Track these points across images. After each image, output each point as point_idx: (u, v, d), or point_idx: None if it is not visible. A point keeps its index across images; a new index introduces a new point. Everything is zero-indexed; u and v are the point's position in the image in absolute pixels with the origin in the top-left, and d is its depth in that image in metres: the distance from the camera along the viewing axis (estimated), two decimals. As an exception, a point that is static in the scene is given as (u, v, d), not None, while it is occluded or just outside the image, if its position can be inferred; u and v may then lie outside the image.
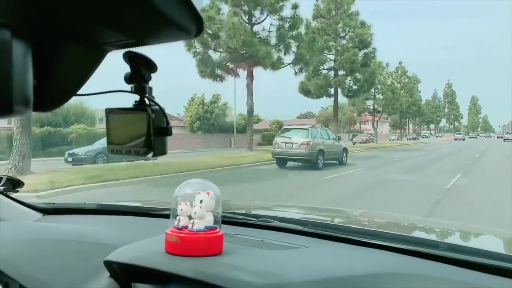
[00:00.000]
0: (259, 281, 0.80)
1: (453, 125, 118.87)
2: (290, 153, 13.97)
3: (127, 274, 1.00)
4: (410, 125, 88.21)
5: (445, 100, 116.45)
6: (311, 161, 13.81)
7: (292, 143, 13.93)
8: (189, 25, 0.50)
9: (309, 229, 1.27)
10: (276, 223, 1.34)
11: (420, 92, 76.89)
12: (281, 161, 14.37)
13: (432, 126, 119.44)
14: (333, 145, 15.24)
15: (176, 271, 0.84)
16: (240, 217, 1.39)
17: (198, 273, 0.82)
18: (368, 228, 1.33)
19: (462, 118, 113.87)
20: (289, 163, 14.74)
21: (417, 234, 1.41)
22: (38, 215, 1.66)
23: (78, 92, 0.60)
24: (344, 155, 15.77)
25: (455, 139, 66.33)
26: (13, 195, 1.59)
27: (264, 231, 1.29)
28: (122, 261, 0.94)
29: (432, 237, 1.37)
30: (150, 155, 0.66)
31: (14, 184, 1.53)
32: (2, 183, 1.49)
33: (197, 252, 0.90)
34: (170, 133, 0.66)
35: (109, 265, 0.99)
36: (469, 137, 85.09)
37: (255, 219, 1.39)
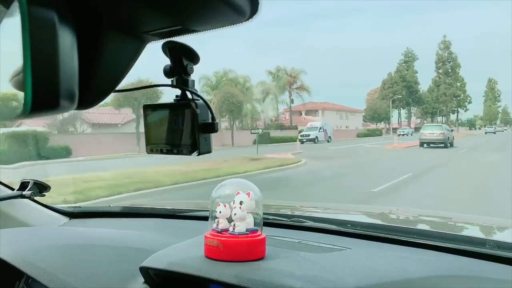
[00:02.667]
0: None
1: (455, 114, 75.06)
2: (432, 139, 23.27)
3: (163, 280, 0.95)
4: (404, 116, 73.04)
5: (439, 69, 70.09)
6: (445, 143, 22.86)
7: (434, 133, 23.53)
8: (244, 5, 0.44)
9: (348, 229, 1.20)
10: (311, 224, 1.28)
11: (416, 72, 67.31)
12: (425, 143, 23.39)
13: (439, 118, 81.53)
14: (450, 134, 24.97)
15: (220, 277, 0.78)
16: (271, 217, 1.33)
17: (244, 279, 0.76)
18: (411, 227, 1.25)
19: (469, 102, 71.31)
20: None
21: (463, 231, 1.33)
22: (64, 219, 1.64)
23: (119, 88, 0.55)
24: (453, 140, 24.88)
25: (486, 133, 58.24)
26: (40, 199, 1.57)
27: (298, 232, 1.23)
28: (160, 267, 0.89)
29: (479, 234, 1.30)
30: (195, 154, 0.60)
31: (41, 188, 1.50)
32: (29, 187, 1.46)
33: (239, 257, 0.84)
34: (216, 130, 0.60)
35: (145, 271, 0.94)
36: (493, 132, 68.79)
37: (286, 219, 1.33)
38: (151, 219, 1.55)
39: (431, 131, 23.71)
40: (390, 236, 1.11)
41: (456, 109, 69.13)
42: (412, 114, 78.75)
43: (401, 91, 67.40)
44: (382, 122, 67.97)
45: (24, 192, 1.44)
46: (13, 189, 1.48)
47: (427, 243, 1.05)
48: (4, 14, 0.43)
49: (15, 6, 0.36)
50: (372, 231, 1.16)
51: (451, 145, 23.38)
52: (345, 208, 1.98)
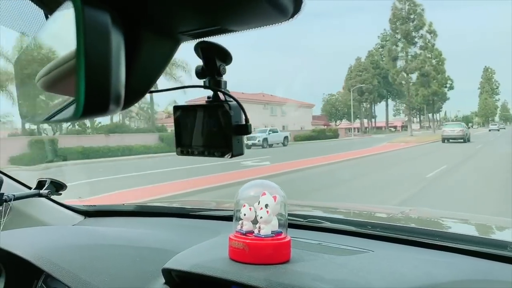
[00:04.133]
0: None
1: (431, 106, 53.97)
2: (453, 135, 26.77)
3: (184, 282, 0.94)
4: (392, 113, 66.07)
5: (396, 32, 45.69)
6: (464, 139, 26.18)
7: (454, 130, 27.17)
8: (287, 4, 0.43)
9: (367, 230, 1.18)
10: (327, 224, 1.26)
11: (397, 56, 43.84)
12: (446, 139, 26.73)
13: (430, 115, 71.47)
14: (468, 131, 28.33)
15: (247, 281, 0.77)
16: (288, 217, 1.31)
17: (274, 283, 0.75)
18: (432, 229, 1.23)
19: (450, 87, 52.83)
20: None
21: (484, 233, 1.31)
22: (79, 217, 1.64)
23: (152, 89, 0.53)
24: (469, 136, 27.99)
25: (490, 130, 56.27)
26: (56, 198, 1.57)
27: (314, 233, 1.21)
28: (183, 269, 0.88)
29: (500, 236, 1.27)
30: (228, 156, 0.59)
31: (57, 187, 1.50)
32: (46, 186, 1.46)
33: (265, 259, 0.83)
34: (250, 131, 0.59)
35: (167, 272, 0.93)
36: (490, 130, 63.66)
37: (302, 220, 1.31)
38: (166, 218, 1.54)
39: (452, 128, 27.97)
40: (412, 238, 1.09)
41: (431, 99, 47.03)
42: (401, 111, 71.22)
43: (372, 80, 54.46)
44: (344, 119, 58.59)
45: (41, 191, 1.44)
46: (30, 188, 1.48)
47: (449, 245, 1.03)
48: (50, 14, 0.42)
49: (67, 7, 0.35)
50: (393, 233, 1.14)
51: (469, 140, 26.95)
52: (361, 208, 1.96)
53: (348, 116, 56.37)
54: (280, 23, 0.47)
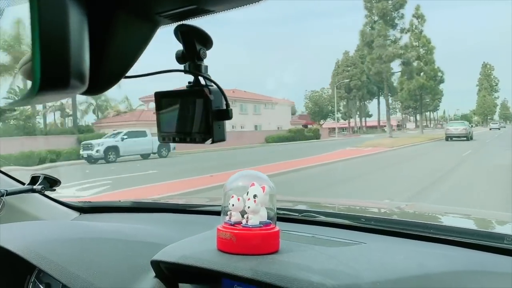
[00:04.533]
0: (330, 282, 0.71)
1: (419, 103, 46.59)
2: (456, 133, 27.67)
3: (174, 274, 0.93)
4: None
5: (371, 13, 37.74)
6: (467, 137, 27.14)
7: (458, 128, 28.36)
8: None
9: (361, 223, 1.17)
10: (323, 218, 1.25)
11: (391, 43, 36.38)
12: (449, 137, 27.48)
13: (427, 114, 73.67)
14: (471, 129, 29.74)
15: (233, 271, 0.76)
16: (282, 212, 1.31)
17: (259, 273, 0.74)
18: (426, 222, 1.22)
19: (440, 80, 44.45)
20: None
21: (480, 226, 1.30)
22: (74, 214, 1.63)
23: (128, 74, 0.52)
24: (472, 134, 29.24)
25: (490, 129, 54.72)
26: (51, 194, 1.56)
27: (309, 226, 1.20)
28: (171, 261, 0.88)
29: (496, 229, 1.26)
30: (208, 142, 0.58)
31: (51, 182, 1.49)
32: (39, 182, 1.46)
33: (253, 250, 0.82)
34: (230, 116, 0.58)
35: (156, 265, 0.92)
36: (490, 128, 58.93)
37: (297, 214, 1.30)
38: (161, 213, 1.54)
39: (455, 127, 29.26)
40: (405, 231, 1.08)
41: (418, 94, 41.01)
42: (397, 110, 68.26)
43: (361, 75, 49.17)
44: (329, 119, 53.25)
45: (34, 187, 1.44)
46: (23, 184, 1.48)
47: (444, 237, 1.02)
48: None
49: None
50: (386, 226, 1.13)
51: (472, 138, 28.15)
52: (356, 204, 1.95)
53: (330, 115, 52.65)
54: (257, 2, 0.46)
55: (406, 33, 38.64)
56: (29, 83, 0.34)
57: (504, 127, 67.71)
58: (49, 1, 0.33)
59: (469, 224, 1.33)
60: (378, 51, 36.72)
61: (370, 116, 67.80)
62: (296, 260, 0.81)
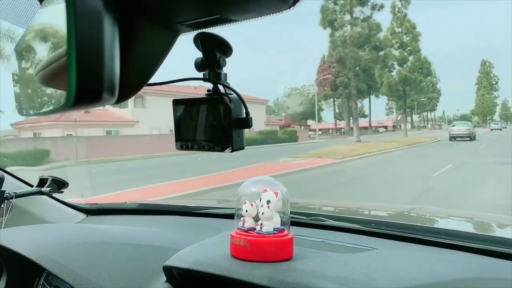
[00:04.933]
0: None
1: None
2: (460, 133, 28.39)
3: (185, 279, 0.93)
4: (384, 112, 61.95)
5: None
6: (470, 137, 27.76)
7: (461, 129, 29.03)
8: None
9: (371, 228, 1.17)
10: (331, 222, 1.25)
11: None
12: (453, 138, 28.23)
13: (425, 114, 72.65)
14: (474, 130, 30.03)
15: (249, 278, 0.76)
16: (291, 215, 1.30)
17: (276, 281, 0.74)
18: (437, 227, 1.22)
19: (426, 75, 39.03)
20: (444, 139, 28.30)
21: (489, 231, 1.29)
22: (81, 215, 1.63)
23: (151, 81, 0.52)
24: (475, 134, 29.77)
25: (492, 129, 53.95)
26: (58, 196, 1.56)
27: (318, 230, 1.20)
28: (184, 267, 0.87)
29: (506, 234, 1.25)
30: (228, 150, 0.58)
31: (59, 185, 1.49)
32: (47, 184, 1.46)
33: (267, 257, 0.82)
34: (250, 125, 0.58)
35: (168, 270, 0.92)
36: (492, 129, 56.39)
37: (305, 218, 1.30)
38: (168, 216, 1.53)
39: (459, 127, 29.94)
40: (416, 236, 1.08)
41: (401, 89, 34.44)
42: (394, 110, 64.52)
43: (348, 72, 38.73)
44: (311, 119, 48.55)
45: (43, 189, 1.44)
46: (32, 186, 1.48)
47: (454, 243, 1.01)
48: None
49: None
50: (397, 231, 1.13)
51: (475, 138, 28.83)
52: (365, 206, 1.95)
53: (320, 114, 49.28)
54: (281, 12, 0.45)
55: (378, 10, 30.19)
56: (63, 94, 0.35)
57: (505, 127, 65.82)
58: (86, 14, 0.33)
59: (481, 229, 1.33)
60: (341, 32, 29.08)
61: (365, 116, 65.31)
62: (310, 267, 0.80)
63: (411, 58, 34.58)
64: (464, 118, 72.33)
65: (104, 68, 0.35)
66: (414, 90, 37.82)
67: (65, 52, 0.33)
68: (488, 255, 0.95)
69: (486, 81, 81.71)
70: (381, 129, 64.80)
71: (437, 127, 72.94)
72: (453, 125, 31.20)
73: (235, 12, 0.47)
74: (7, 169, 1.47)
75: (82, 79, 0.33)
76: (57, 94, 0.37)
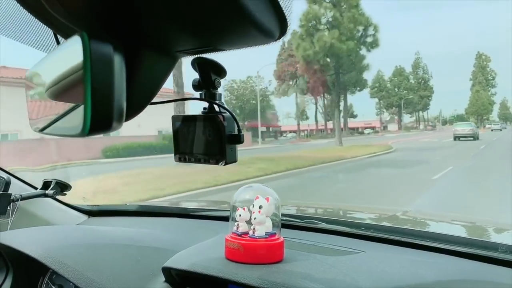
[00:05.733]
0: None
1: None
2: (463, 133, 29.63)
3: (183, 280, 0.99)
4: (375, 112, 58.88)
5: None
6: (474, 137, 28.92)
7: (465, 129, 30.37)
8: (273, 28, 0.47)
9: (361, 231, 1.22)
10: (324, 225, 1.30)
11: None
12: (457, 137, 29.23)
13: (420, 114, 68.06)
14: (477, 130, 31.64)
15: (241, 279, 0.82)
16: (285, 218, 1.36)
17: (266, 282, 0.80)
18: (424, 230, 1.27)
19: (372, 44, 23.02)
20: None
21: (474, 235, 1.35)
22: (83, 217, 1.69)
23: (152, 101, 0.58)
24: (478, 134, 31.05)
25: (492, 130, 52.18)
26: (61, 198, 1.62)
27: (311, 233, 1.25)
28: (181, 268, 0.93)
29: (491, 238, 1.31)
30: (222, 163, 0.64)
31: (62, 187, 1.55)
32: (51, 186, 1.52)
33: (259, 259, 0.88)
34: (242, 141, 0.64)
35: (167, 271, 0.98)
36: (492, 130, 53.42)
37: (299, 221, 1.35)
38: (168, 218, 1.59)
39: (463, 128, 31.46)
40: (403, 239, 1.13)
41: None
42: (384, 110, 62.40)
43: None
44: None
45: (47, 191, 1.50)
46: (36, 188, 1.54)
47: (440, 246, 1.06)
48: (60, 43, 0.48)
49: (74, 39, 0.40)
50: (385, 234, 1.18)
51: (478, 138, 29.78)
52: (357, 209, 2.00)
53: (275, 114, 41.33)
54: (268, 44, 0.51)
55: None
56: (80, 123, 0.40)
57: (505, 128, 62.48)
58: (99, 58, 0.39)
59: (465, 233, 1.38)
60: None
61: (354, 116, 61.90)
62: (299, 269, 0.86)
63: (352, 26, 23.46)
64: (461, 118, 67.28)
65: (114, 104, 0.40)
66: (348, 69, 26.06)
67: (81, 87, 0.39)
68: (470, 258, 1.00)
69: (482, 76, 73.04)
70: (367, 130, 60.11)
71: (430, 128, 66.71)
72: (457, 126, 33.02)
73: (226, 45, 0.52)
74: (13, 172, 1.52)
75: (96, 115, 0.39)
76: (72, 120, 0.43)
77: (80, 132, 0.40)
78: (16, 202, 1.38)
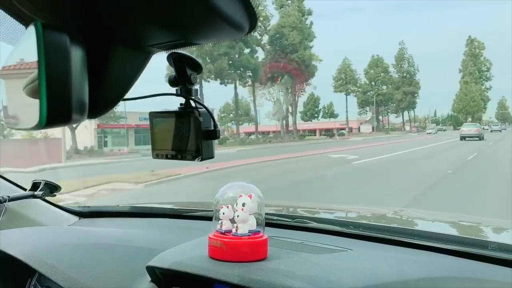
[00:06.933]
0: None
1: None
2: (470, 134, 31.64)
3: (168, 279, 0.98)
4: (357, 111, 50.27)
5: None
6: (479, 137, 30.84)
7: (471, 129, 32.54)
8: (243, 22, 0.47)
9: (350, 230, 1.22)
10: (314, 225, 1.30)
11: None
12: (463, 138, 31.23)
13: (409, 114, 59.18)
14: (483, 130, 33.86)
15: (222, 277, 0.82)
16: (275, 218, 1.36)
17: (246, 279, 0.79)
18: (413, 228, 1.27)
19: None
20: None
21: (465, 233, 1.34)
22: (74, 218, 1.68)
23: (125, 97, 0.58)
24: (483, 135, 33.01)
25: (491, 131, 49.51)
26: (51, 199, 1.61)
27: (300, 232, 1.25)
28: (165, 267, 0.93)
29: (481, 236, 1.31)
30: (198, 159, 0.63)
31: (51, 188, 1.54)
32: (40, 187, 1.51)
33: (242, 257, 0.87)
34: (218, 136, 0.63)
35: (151, 270, 0.97)
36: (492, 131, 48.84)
37: (290, 220, 1.35)
38: (158, 219, 1.59)
39: (469, 128, 33.47)
40: (391, 237, 1.13)
41: None
42: (368, 109, 53.46)
43: (240, 50, 28.74)
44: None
45: (35, 193, 1.49)
46: (25, 189, 1.53)
47: (428, 244, 1.06)
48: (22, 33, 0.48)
49: (31, 29, 0.39)
50: (373, 232, 1.18)
51: (483, 138, 31.50)
52: (347, 209, 2.00)
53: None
54: (238, 37, 0.51)
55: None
56: (37, 115, 0.39)
57: (505, 129, 57.26)
58: (53, 47, 0.38)
59: (454, 231, 1.38)
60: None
61: (335, 116, 53.40)
62: (282, 267, 0.86)
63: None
64: (453, 119, 60.42)
65: (71, 93, 0.39)
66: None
67: (36, 78, 0.38)
68: (455, 255, 1.00)
69: (474, 66, 60.51)
70: (341, 132, 52.17)
71: (415, 130, 57.23)
72: (464, 126, 35.52)
73: (197, 38, 0.52)
74: (0, 173, 1.52)
75: (52, 104, 0.38)
76: (31, 113, 0.42)
77: (37, 125, 0.39)
78: (4, 203, 1.37)
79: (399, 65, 58.18)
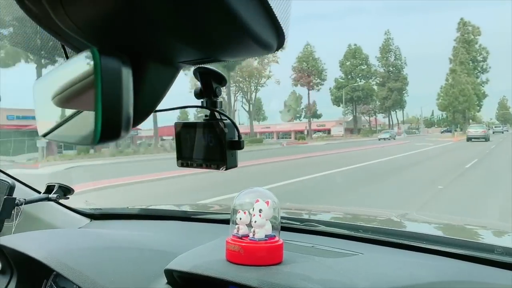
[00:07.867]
0: None
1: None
2: (476, 135, 32.34)
3: (185, 282, 1.01)
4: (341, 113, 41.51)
5: None
6: (486, 139, 31.52)
7: (478, 131, 33.22)
8: (272, 40, 0.50)
9: (359, 234, 1.25)
10: (323, 228, 1.33)
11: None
12: (470, 139, 31.96)
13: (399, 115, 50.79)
14: (489, 132, 34.91)
15: (241, 280, 0.84)
16: (284, 221, 1.38)
17: (265, 283, 0.82)
18: (420, 232, 1.30)
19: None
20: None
21: (471, 237, 1.37)
22: (86, 220, 1.71)
23: (156, 109, 0.61)
24: (489, 136, 33.84)
25: (494, 132, 45.82)
26: (64, 202, 1.64)
27: (310, 236, 1.28)
28: (183, 270, 0.95)
29: (488, 240, 1.33)
30: (222, 168, 0.66)
31: (65, 191, 1.58)
32: (54, 190, 1.54)
33: (258, 261, 0.90)
34: (242, 147, 0.66)
35: (169, 273, 1.00)
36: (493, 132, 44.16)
37: (299, 223, 1.37)
38: (169, 221, 1.61)
39: (475, 130, 34.09)
40: (400, 241, 1.15)
41: None
42: (360, 112, 46.91)
43: None
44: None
45: (50, 196, 1.52)
46: (39, 192, 1.56)
47: (437, 248, 1.09)
48: (71, 56, 0.51)
49: (86, 53, 0.43)
50: (383, 236, 1.20)
51: (489, 140, 32.00)
52: (357, 212, 2.03)
53: None
54: (266, 55, 0.54)
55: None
56: (91, 133, 0.42)
57: (507, 130, 52.47)
58: (110, 74, 0.41)
59: (462, 235, 1.40)
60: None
61: (318, 116, 47.94)
62: (298, 270, 0.89)
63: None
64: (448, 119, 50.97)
65: (122, 114, 0.43)
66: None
67: (91, 99, 0.41)
68: (466, 260, 1.03)
69: (467, 53, 48.71)
70: (316, 134, 48.13)
71: (400, 132, 48.90)
72: (470, 128, 36.15)
73: (226, 56, 0.55)
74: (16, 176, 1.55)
75: (106, 123, 0.41)
76: (82, 130, 0.45)
77: (91, 141, 0.42)
78: (20, 206, 1.40)
79: (385, 58, 49.57)
